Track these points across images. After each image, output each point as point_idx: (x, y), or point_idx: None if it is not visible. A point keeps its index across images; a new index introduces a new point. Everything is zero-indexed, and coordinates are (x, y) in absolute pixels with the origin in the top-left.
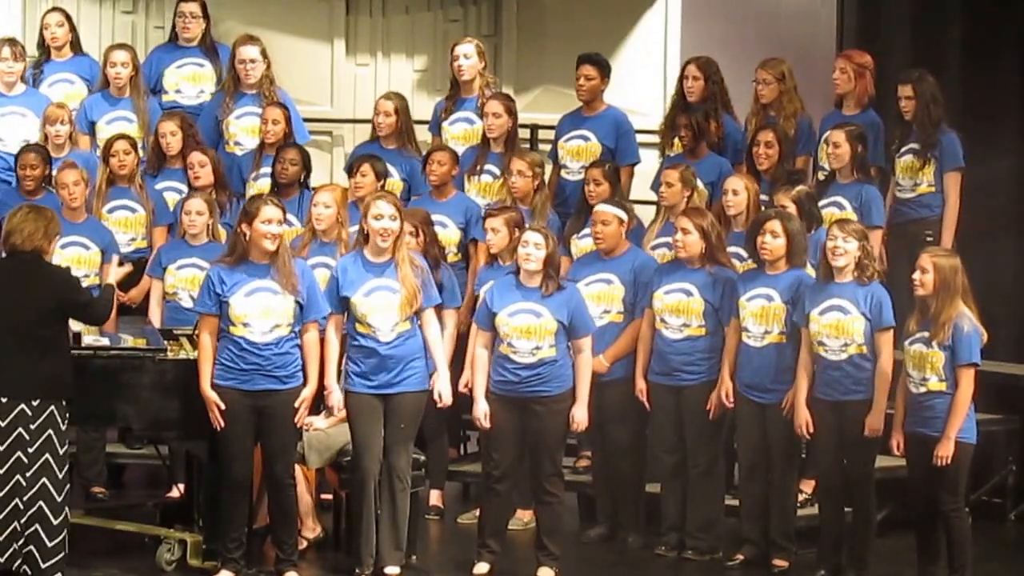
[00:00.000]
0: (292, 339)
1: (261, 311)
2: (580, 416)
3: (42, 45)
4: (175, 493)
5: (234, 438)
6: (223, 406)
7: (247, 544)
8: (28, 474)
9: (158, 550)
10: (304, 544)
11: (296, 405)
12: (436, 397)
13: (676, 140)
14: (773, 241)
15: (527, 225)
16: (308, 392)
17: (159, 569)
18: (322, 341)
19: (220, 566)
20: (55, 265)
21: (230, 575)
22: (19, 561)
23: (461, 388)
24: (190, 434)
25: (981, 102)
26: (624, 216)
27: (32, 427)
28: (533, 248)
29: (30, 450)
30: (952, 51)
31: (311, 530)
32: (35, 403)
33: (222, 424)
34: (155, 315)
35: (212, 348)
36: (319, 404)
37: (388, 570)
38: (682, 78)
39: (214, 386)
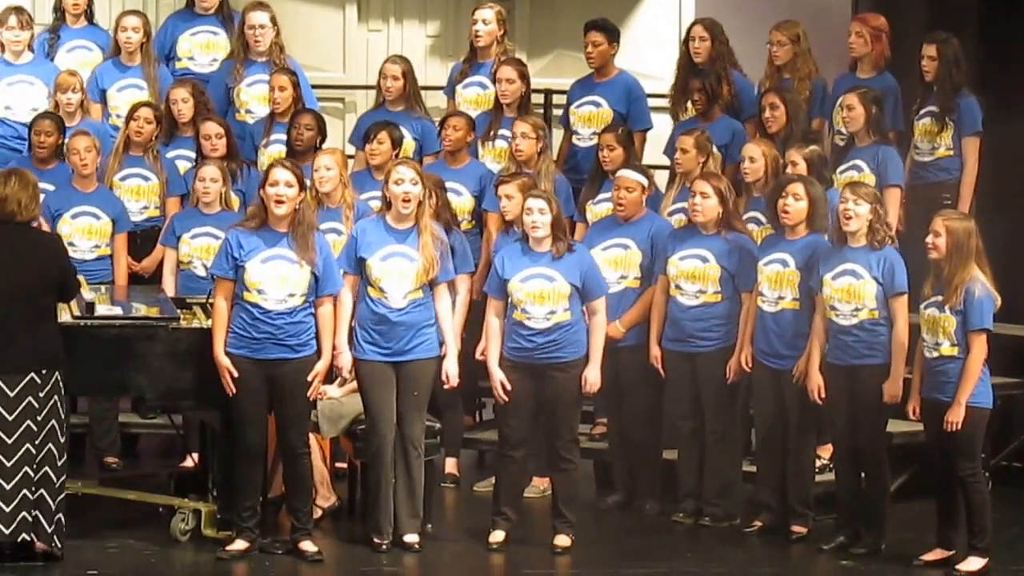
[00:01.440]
0: (306, 308)
1: (277, 279)
2: (593, 377)
3: (58, 9)
4: (189, 463)
5: (247, 407)
6: (235, 373)
7: (261, 513)
8: (37, 442)
9: (172, 520)
10: (319, 513)
11: (309, 379)
12: (444, 377)
13: (689, 104)
14: (795, 204)
15: (529, 192)
16: (321, 366)
17: (173, 539)
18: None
19: (234, 536)
20: (48, 233)
21: (245, 544)
22: (28, 530)
23: (477, 355)
24: (204, 403)
25: (998, 66)
26: (646, 183)
27: (41, 395)
28: (538, 215)
29: (39, 418)
30: (968, 15)
31: (326, 499)
32: (44, 372)
33: (234, 390)
34: (169, 284)
35: (227, 314)
36: (332, 373)
37: (407, 538)
38: (688, 39)
39: (226, 355)
